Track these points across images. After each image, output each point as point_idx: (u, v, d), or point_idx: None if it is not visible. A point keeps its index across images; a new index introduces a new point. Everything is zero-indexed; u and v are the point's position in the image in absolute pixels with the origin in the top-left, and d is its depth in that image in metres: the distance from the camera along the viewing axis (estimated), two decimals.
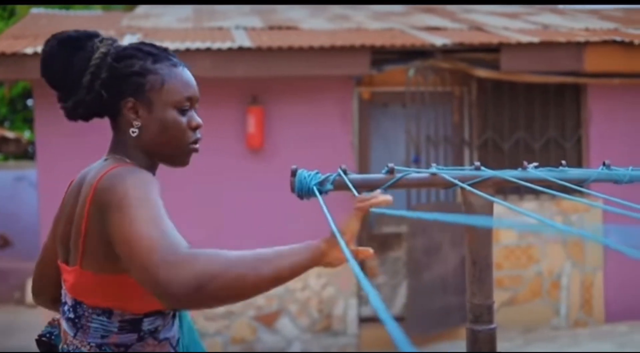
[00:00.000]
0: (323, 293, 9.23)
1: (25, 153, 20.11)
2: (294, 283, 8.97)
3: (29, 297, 15.46)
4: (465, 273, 2.47)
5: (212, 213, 8.99)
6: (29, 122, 21.65)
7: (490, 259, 2.44)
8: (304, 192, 2.58)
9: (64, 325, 2.30)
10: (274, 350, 9.12)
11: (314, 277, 9.18)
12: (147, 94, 2.30)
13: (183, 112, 2.34)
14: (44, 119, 9.11)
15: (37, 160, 9.33)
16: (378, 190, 2.18)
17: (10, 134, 15.63)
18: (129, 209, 2.00)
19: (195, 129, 2.37)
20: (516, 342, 8.92)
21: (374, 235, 9.47)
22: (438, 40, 9.21)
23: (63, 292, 2.33)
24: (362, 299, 9.43)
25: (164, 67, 2.34)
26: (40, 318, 10.49)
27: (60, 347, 2.34)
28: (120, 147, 2.35)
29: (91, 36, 2.35)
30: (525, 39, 9.42)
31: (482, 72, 9.30)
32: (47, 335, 2.43)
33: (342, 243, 1.71)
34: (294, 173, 2.60)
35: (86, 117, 2.39)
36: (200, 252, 1.87)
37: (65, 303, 2.30)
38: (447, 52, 9.25)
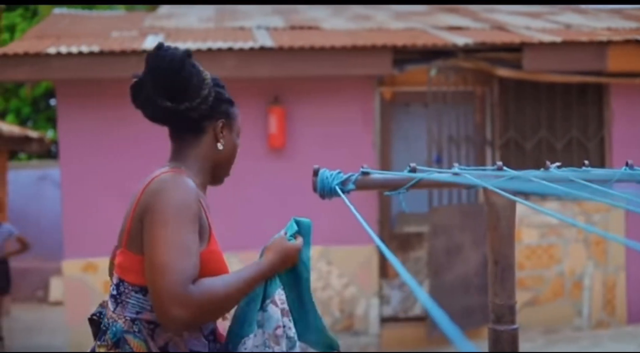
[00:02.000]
0: (345, 293, 9.23)
1: (48, 152, 20.20)
2: (315, 283, 8.98)
3: (52, 295, 15.62)
4: (487, 273, 2.46)
5: (234, 213, 9.01)
6: (51, 122, 21.74)
7: (513, 259, 2.44)
8: (325, 192, 2.58)
9: (108, 302, 2.58)
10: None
11: (335, 277, 9.19)
12: (232, 119, 2.76)
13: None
14: (67, 118, 9.15)
15: (60, 159, 9.38)
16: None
17: (33, 133, 15.69)
18: (159, 227, 2.39)
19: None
20: (538, 342, 8.90)
21: (395, 234, 9.47)
22: (460, 40, 9.20)
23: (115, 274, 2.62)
24: (383, 299, 9.43)
25: (235, 105, 2.80)
26: (62, 316, 10.56)
27: (103, 322, 2.55)
28: (188, 155, 2.68)
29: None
30: (547, 38, 9.39)
31: (504, 72, 9.27)
32: (97, 315, 2.62)
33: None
34: (316, 173, 2.61)
35: (179, 122, 2.65)
36: (199, 297, 2.31)
37: (113, 282, 2.59)
38: (469, 51, 9.23)
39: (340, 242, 9.10)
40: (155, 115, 2.62)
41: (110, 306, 2.54)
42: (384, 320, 9.40)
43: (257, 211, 9.13)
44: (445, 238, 8.74)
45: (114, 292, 2.55)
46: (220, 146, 2.70)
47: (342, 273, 9.15)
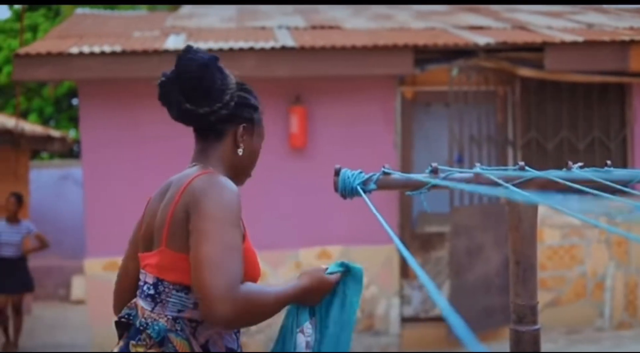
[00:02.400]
0: (365, 293, 9.22)
1: (70, 151, 20.31)
2: None
3: (74, 294, 15.69)
4: (509, 274, 2.46)
5: (255, 212, 9.02)
6: (74, 121, 21.84)
7: (535, 259, 2.43)
8: (347, 192, 2.58)
9: (141, 302, 2.61)
10: None
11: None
12: (254, 125, 2.80)
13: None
14: (89, 118, 9.20)
15: (82, 158, 9.42)
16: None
17: (55, 133, 15.77)
18: (207, 226, 2.41)
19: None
20: (559, 343, 8.87)
21: (416, 234, 9.46)
22: (481, 40, 9.18)
23: (142, 276, 2.66)
24: (404, 299, 9.42)
25: (261, 109, 2.87)
26: (84, 314, 10.61)
27: (137, 322, 2.56)
28: (210, 157, 2.73)
29: (222, 65, 2.70)
30: (569, 38, 9.35)
31: (525, 72, 9.24)
32: (126, 316, 2.61)
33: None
34: (337, 172, 2.61)
35: (201, 125, 2.72)
36: (244, 301, 2.34)
37: (145, 283, 2.62)
38: (490, 51, 9.21)
39: (361, 242, 9.10)
40: (177, 115, 2.67)
41: (146, 306, 2.58)
42: (405, 320, 9.39)
43: (278, 210, 9.14)
44: (466, 238, 8.72)
45: (151, 292, 2.58)
46: (239, 151, 2.75)
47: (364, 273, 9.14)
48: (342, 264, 2.78)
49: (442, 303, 1.21)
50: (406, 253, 1.55)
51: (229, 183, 2.56)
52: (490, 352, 1.04)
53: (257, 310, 2.39)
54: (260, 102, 2.86)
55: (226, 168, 2.73)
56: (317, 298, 2.70)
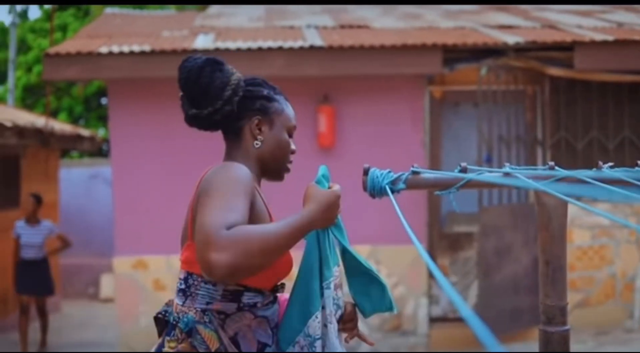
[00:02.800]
0: (393, 293, 9.15)
1: (99, 150, 20.41)
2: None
3: (103, 292, 15.79)
4: (538, 274, 2.44)
5: (283, 211, 9.02)
6: (103, 120, 21.97)
7: (564, 260, 2.42)
8: (376, 191, 2.58)
9: (175, 298, 2.68)
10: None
11: (384, 276, 9.15)
12: (271, 115, 2.80)
13: (290, 136, 2.87)
14: (118, 117, 9.24)
15: (111, 157, 9.47)
16: None
17: (85, 132, 15.86)
18: (207, 198, 2.43)
19: (292, 152, 2.89)
20: (588, 344, 8.81)
21: (444, 234, 9.43)
22: (511, 39, 9.14)
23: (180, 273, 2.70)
24: (432, 299, 9.39)
25: (281, 99, 2.87)
26: (113, 312, 10.66)
27: (171, 318, 2.61)
28: (235, 155, 2.78)
29: (224, 62, 2.75)
30: (599, 37, 9.29)
31: (555, 71, 9.19)
32: (163, 313, 2.67)
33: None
34: (366, 172, 2.60)
35: (211, 126, 2.78)
36: (232, 238, 2.27)
37: (179, 279, 2.68)
38: (519, 50, 9.17)
39: (390, 241, 9.08)
40: (189, 122, 2.78)
41: (179, 301, 2.64)
42: (433, 320, 9.37)
43: None
44: (495, 238, 8.69)
45: (182, 286, 2.64)
46: (257, 143, 2.77)
47: (391, 273, 9.13)
48: (323, 172, 2.83)
49: (461, 306, 1.20)
50: (426, 257, 1.55)
51: (239, 166, 2.59)
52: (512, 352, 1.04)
53: (251, 248, 2.28)
54: (279, 92, 2.87)
55: (253, 163, 2.76)
56: (329, 222, 2.65)
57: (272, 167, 2.83)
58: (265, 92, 2.81)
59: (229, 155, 2.79)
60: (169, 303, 2.70)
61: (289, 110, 2.86)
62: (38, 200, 10.85)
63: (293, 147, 2.87)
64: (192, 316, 2.56)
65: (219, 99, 2.67)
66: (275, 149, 2.80)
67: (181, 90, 2.73)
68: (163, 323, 2.66)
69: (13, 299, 10.76)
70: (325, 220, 2.59)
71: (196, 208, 2.52)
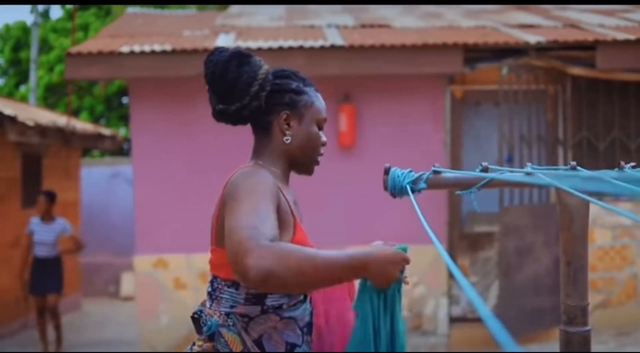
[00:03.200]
0: (414, 293, 9.20)
1: (120, 150, 20.50)
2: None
3: (124, 290, 15.85)
4: (559, 274, 2.44)
5: (303, 211, 9.03)
6: (124, 119, 22.07)
7: (586, 260, 2.41)
8: (396, 191, 2.57)
9: (206, 299, 2.65)
10: None
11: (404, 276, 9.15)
12: (300, 109, 2.73)
13: (320, 129, 2.79)
14: (139, 116, 9.27)
15: (132, 156, 9.50)
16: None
17: (106, 131, 15.92)
18: (236, 202, 2.39)
19: (323, 145, 2.81)
20: (610, 345, 8.77)
21: (465, 234, 9.41)
22: (532, 38, 9.11)
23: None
24: (452, 299, 9.37)
25: (311, 91, 2.79)
26: (133, 311, 10.69)
27: (202, 319, 2.61)
28: (263, 151, 2.73)
29: (251, 55, 2.67)
30: (621, 36, 9.25)
31: (577, 70, 9.15)
32: (198, 313, 2.65)
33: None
34: (387, 171, 2.60)
35: (239, 122, 2.72)
36: (273, 249, 2.23)
37: (209, 280, 2.65)
38: (541, 49, 9.13)
39: (410, 241, 9.00)
40: (216, 117, 2.72)
41: (208, 303, 2.62)
42: (453, 320, 9.35)
43: (326, 209, 9.14)
44: (516, 238, 8.66)
45: (209, 289, 2.62)
46: (287, 139, 2.70)
47: (411, 273, 9.06)
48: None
49: (480, 306, 1.20)
50: (446, 257, 1.54)
51: (261, 172, 2.53)
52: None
53: (289, 267, 2.21)
54: (308, 83, 2.80)
55: (281, 160, 2.72)
56: (384, 275, 2.42)
57: (301, 162, 2.77)
58: (294, 84, 2.74)
59: (257, 152, 2.74)
60: (203, 304, 2.68)
61: (319, 102, 2.79)
62: (51, 197, 10.61)
63: (324, 139, 2.79)
64: (216, 320, 2.54)
65: (246, 95, 2.61)
66: (305, 143, 2.73)
67: (208, 85, 2.67)
68: (199, 322, 2.65)
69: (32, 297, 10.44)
70: (380, 272, 2.41)
71: (223, 213, 2.49)
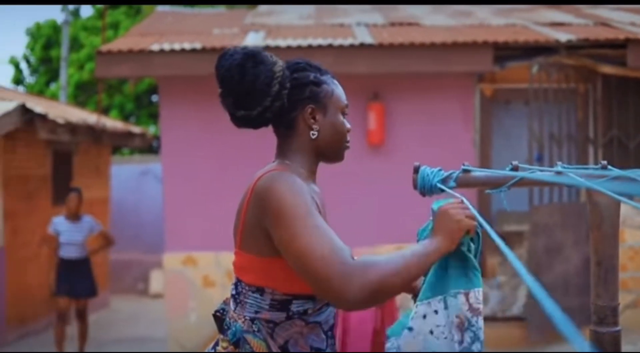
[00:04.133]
0: None
1: (149, 147, 20.59)
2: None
3: (153, 287, 15.92)
4: (590, 274, 2.42)
5: (332, 209, 9.03)
6: (153, 117, 22.18)
7: (616, 260, 2.39)
8: (426, 189, 2.56)
9: (230, 301, 2.62)
10: None
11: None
12: (323, 100, 2.64)
13: (343, 115, 2.71)
14: (169, 114, 9.31)
15: (161, 154, 9.55)
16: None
17: (136, 129, 16.01)
18: (290, 221, 2.33)
19: (348, 131, 2.71)
20: (639, 345, 8.72)
21: (495, 233, 9.36)
22: (563, 36, 9.06)
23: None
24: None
25: (329, 79, 2.69)
26: (162, 308, 10.75)
27: (226, 320, 2.59)
28: (289, 149, 2.65)
29: (261, 52, 2.56)
30: None
31: (607, 69, 9.09)
32: (220, 311, 2.64)
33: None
34: (416, 170, 2.59)
35: (262, 125, 2.63)
36: (364, 264, 2.23)
37: (233, 282, 2.60)
38: (571, 48, 9.08)
39: None
40: (238, 124, 2.63)
41: (232, 305, 2.58)
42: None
43: (355, 207, 9.14)
44: (545, 237, 8.62)
45: (233, 292, 2.57)
46: (314, 133, 2.61)
47: None
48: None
49: (546, 302, 1.20)
50: (499, 241, 1.54)
51: (291, 178, 2.43)
52: (590, 350, 1.03)
53: (386, 279, 2.23)
54: (324, 71, 2.71)
55: (310, 156, 2.64)
56: (457, 236, 2.42)
57: (331, 152, 2.68)
58: (312, 76, 2.64)
59: (283, 150, 2.65)
60: (226, 302, 2.65)
61: (339, 89, 2.70)
62: (81, 195, 10.16)
63: (348, 125, 2.71)
64: (241, 325, 2.50)
65: (267, 96, 2.50)
66: (333, 134, 2.65)
67: (223, 91, 2.57)
68: (221, 320, 2.62)
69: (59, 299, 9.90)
70: (451, 242, 2.42)
71: (249, 217, 2.44)
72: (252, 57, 2.51)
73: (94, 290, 10.08)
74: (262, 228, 2.42)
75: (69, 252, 9.86)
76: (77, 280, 9.86)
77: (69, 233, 9.85)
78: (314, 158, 2.66)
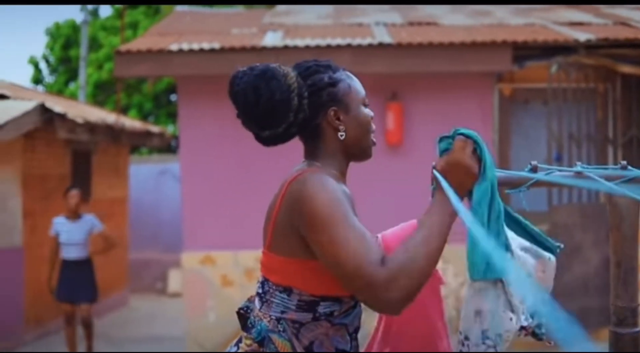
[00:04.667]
0: (460, 292, 9.16)
1: (168, 147, 20.66)
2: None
3: (171, 286, 15.97)
4: (609, 275, 2.41)
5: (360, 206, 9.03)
6: (172, 117, 22.24)
7: (636, 261, 2.39)
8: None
9: (255, 299, 2.59)
10: None
11: (451, 276, 9.13)
12: (343, 99, 2.58)
13: (365, 106, 2.67)
14: (188, 113, 9.34)
15: (180, 154, 9.57)
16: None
17: (154, 128, 16.04)
18: (327, 226, 2.31)
19: (371, 119, 2.69)
20: None
21: None
22: (582, 36, 9.03)
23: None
24: None
25: (342, 75, 2.64)
26: (180, 307, 10.77)
27: (250, 317, 2.56)
28: (317, 153, 2.61)
29: (270, 66, 2.49)
30: None
31: (627, 68, 9.05)
32: (244, 309, 2.61)
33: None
34: (435, 169, 2.58)
35: (289, 138, 2.57)
36: (397, 265, 2.22)
37: (259, 280, 2.58)
38: (590, 47, 9.05)
39: (457, 240, 9.00)
40: (264, 143, 2.60)
41: (257, 303, 2.56)
42: None
43: (373, 207, 9.13)
44: (565, 237, 8.59)
45: (260, 291, 2.55)
46: (341, 135, 2.58)
47: (457, 272, 9.08)
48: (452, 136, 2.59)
49: (548, 305, 1.20)
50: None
51: (326, 180, 2.40)
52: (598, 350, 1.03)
53: (418, 269, 2.25)
54: (335, 67, 2.64)
55: (339, 157, 2.62)
56: (464, 184, 2.46)
57: (359, 149, 2.66)
58: (326, 77, 2.58)
59: (311, 155, 2.61)
60: (250, 299, 2.62)
61: (354, 82, 2.66)
62: (80, 192, 9.83)
63: (371, 114, 2.68)
64: (266, 325, 2.48)
65: (289, 111, 2.45)
66: (359, 130, 2.63)
67: (242, 115, 2.53)
68: (245, 318, 2.59)
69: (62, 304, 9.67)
70: (460, 185, 2.45)
71: (281, 218, 2.43)
72: (263, 74, 2.46)
73: (94, 295, 9.70)
74: (294, 230, 2.40)
75: (69, 253, 9.58)
76: (77, 284, 9.55)
77: (69, 233, 9.57)
78: (343, 159, 2.64)
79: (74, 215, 9.64)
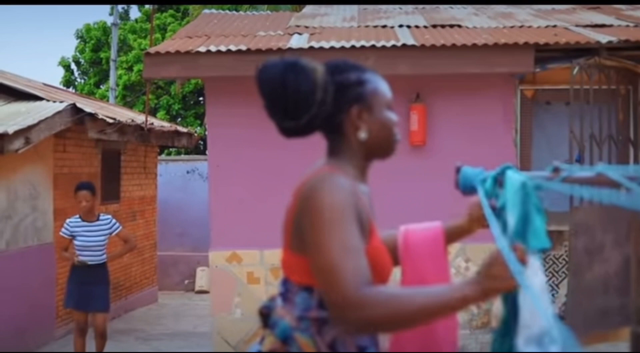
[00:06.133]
0: None
1: (196, 147, 20.81)
2: (454, 279, 9.02)
3: (198, 284, 16.14)
4: (630, 275, 2.48)
5: (375, 209, 9.12)
6: (200, 118, 22.40)
7: None
8: (468, 189, 2.65)
9: (277, 298, 2.62)
10: None
11: (473, 274, 9.21)
12: (368, 99, 2.61)
13: (390, 110, 2.68)
14: (215, 114, 9.45)
15: (208, 154, 9.70)
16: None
17: (182, 129, 16.21)
18: (322, 231, 2.33)
19: (395, 124, 2.70)
20: None
21: None
22: (603, 38, 9.09)
23: None
24: None
25: (370, 75, 2.67)
26: (207, 304, 10.91)
27: (272, 316, 2.58)
28: (338, 151, 2.63)
29: (300, 59, 2.52)
30: None
31: None
32: (266, 308, 2.63)
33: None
34: (458, 170, 2.67)
35: (311, 132, 2.60)
36: (375, 297, 2.23)
37: (281, 279, 2.62)
38: (612, 49, 9.10)
39: (479, 239, 9.07)
40: (286, 134, 2.61)
41: (279, 302, 2.59)
42: None
43: (397, 208, 9.24)
44: (586, 237, 8.66)
45: (281, 289, 2.59)
46: (362, 134, 2.59)
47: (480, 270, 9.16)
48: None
49: (546, 311, 1.33)
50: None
51: (337, 183, 2.42)
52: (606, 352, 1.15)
53: (393, 315, 2.24)
54: (364, 68, 2.69)
55: (359, 155, 2.63)
56: (495, 293, 2.45)
57: (381, 149, 2.67)
58: (354, 76, 2.61)
59: (332, 152, 2.63)
60: (272, 298, 2.65)
61: (382, 84, 2.69)
62: (93, 190, 9.24)
63: (395, 118, 2.69)
64: (288, 323, 2.49)
65: (312, 104, 2.46)
66: (382, 132, 2.63)
67: (267, 103, 2.55)
68: (266, 316, 2.61)
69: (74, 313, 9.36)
70: (485, 297, 2.42)
71: (296, 217, 2.45)
72: (292, 66, 2.47)
73: (106, 304, 9.17)
74: (303, 232, 2.43)
75: (84, 257, 9.06)
76: (88, 290, 9.00)
77: (85, 237, 9.10)
78: (364, 157, 2.65)
79: (90, 215, 9.17)
